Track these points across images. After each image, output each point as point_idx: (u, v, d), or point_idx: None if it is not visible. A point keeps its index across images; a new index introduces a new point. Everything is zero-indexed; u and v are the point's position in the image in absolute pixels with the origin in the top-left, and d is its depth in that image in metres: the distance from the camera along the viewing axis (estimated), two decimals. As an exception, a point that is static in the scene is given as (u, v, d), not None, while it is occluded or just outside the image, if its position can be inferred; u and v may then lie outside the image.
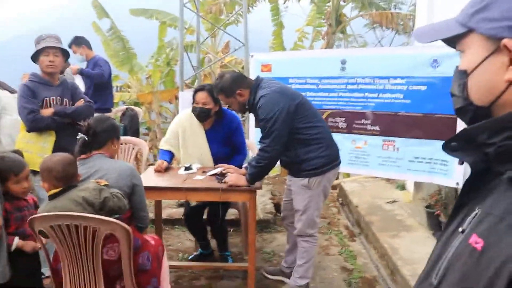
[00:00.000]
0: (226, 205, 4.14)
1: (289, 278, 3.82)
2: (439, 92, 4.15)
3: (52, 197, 2.49)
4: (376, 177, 7.02)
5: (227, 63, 10.65)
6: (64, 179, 2.48)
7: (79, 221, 2.35)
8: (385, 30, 12.61)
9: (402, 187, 6.29)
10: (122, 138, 4.84)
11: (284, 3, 9.39)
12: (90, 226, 2.35)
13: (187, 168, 3.80)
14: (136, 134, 6.58)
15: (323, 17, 9.58)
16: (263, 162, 3.29)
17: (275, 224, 5.24)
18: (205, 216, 4.19)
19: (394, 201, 5.76)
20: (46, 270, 3.09)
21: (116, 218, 2.43)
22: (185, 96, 5.48)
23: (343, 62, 4.70)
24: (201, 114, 3.86)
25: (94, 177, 2.63)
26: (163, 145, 4.06)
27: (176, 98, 11.36)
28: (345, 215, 5.90)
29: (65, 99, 3.85)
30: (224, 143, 4.01)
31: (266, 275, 3.98)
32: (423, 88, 4.27)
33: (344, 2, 9.19)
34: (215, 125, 3.98)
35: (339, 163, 3.54)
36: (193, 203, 4.02)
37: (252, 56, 5.38)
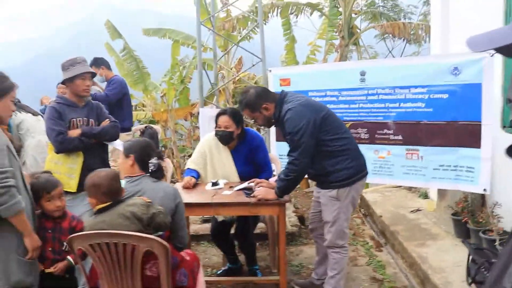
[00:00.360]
0: (255, 219, 4.16)
1: (319, 290, 3.83)
2: (461, 99, 4.17)
3: (99, 212, 2.56)
4: (397, 186, 7.02)
5: (242, 77, 10.75)
6: (111, 194, 2.58)
7: (118, 239, 2.39)
8: (396, 40, 12.69)
9: (425, 195, 6.27)
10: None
11: (296, 18, 9.47)
12: (130, 244, 2.39)
13: (214, 184, 3.84)
14: (156, 152, 6.63)
15: (335, 30, 9.66)
16: (292, 175, 3.32)
17: (300, 236, 5.25)
18: (232, 231, 4.22)
19: (417, 210, 5.75)
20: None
21: (158, 236, 2.48)
22: (205, 112, 5.54)
23: (363, 74, 4.74)
24: (223, 137, 3.96)
25: (138, 195, 2.70)
26: (190, 164, 4.15)
27: (191, 115, 11.46)
28: (369, 226, 5.89)
29: (91, 120, 3.91)
30: (248, 162, 4.07)
31: (297, 287, 3.97)
32: (445, 96, 4.29)
33: (356, 14, 9.26)
34: (238, 145, 4.06)
35: (367, 173, 3.56)
36: (220, 218, 4.05)
37: (270, 71, 5.44)
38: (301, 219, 5.67)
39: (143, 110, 12.35)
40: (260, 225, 4.67)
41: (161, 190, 2.78)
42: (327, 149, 3.37)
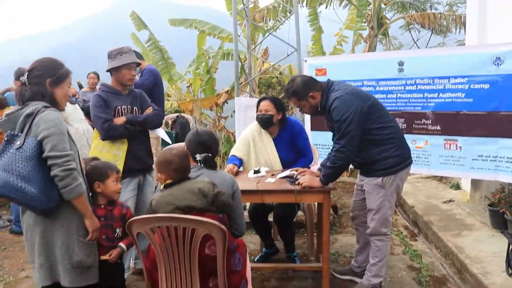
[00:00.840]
0: (295, 207, 4.20)
1: (360, 278, 3.86)
2: (503, 90, 4.16)
3: (167, 186, 2.66)
4: (428, 177, 7.02)
5: (267, 69, 10.77)
6: (181, 171, 2.69)
7: (178, 223, 2.45)
8: (421, 31, 12.55)
9: (457, 186, 6.27)
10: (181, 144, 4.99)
11: (326, 7, 9.45)
12: (189, 228, 2.45)
13: (256, 172, 3.90)
14: (188, 141, 6.70)
15: (363, 20, 9.61)
16: (338, 162, 3.36)
17: (334, 225, 5.29)
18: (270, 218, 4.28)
19: (450, 201, 5.76)
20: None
21: (221, 219, 2.55)
22: (241, 101, 5.59)
23: (401, 64, 4.75)
24: (263, 121, 4.08)
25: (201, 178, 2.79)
26: (234, 152, 4.23)
27: (217, 105, 11.54)
28: (401, 215, 5.91)
29: (134, 107, 3.98)
30: (290, 148, 4.17)
31: (336, 275, 4.02)
32: (486, 86, 4.28)
33: (385, 5, 9.19)
34: (280, 132, 4.16)
35: (411, 162, 3.58)
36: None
37: (305, 61, 5.46)
38: (334, 208, 5.71)
39: (168, 100, 12.47)
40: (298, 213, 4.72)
41: (220, 178, 2.84)
42: (373, 137, 3.39)
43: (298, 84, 3.52)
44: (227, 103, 11.68)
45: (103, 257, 2.86)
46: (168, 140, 4.44)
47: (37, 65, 2.65)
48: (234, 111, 12.18)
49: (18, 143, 2.47)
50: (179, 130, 6.93)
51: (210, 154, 2.92)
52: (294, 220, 5.01)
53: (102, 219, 2.90)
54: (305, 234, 5.00)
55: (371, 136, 3.39)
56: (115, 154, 3.87)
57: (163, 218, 2.47)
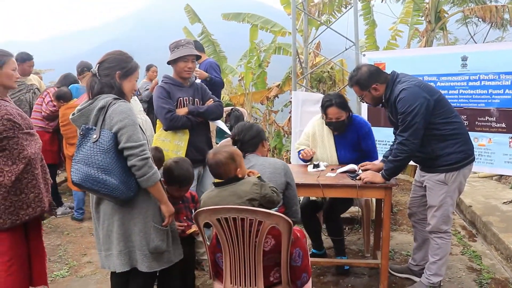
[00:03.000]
0: (348, 203, 4.16)
1: (417, 276, 3.81)
2: None
3: (216, 185, 2.71)
4: (485, 177, 6.81)
5: (317, 63, 10.68)
6: (226, 174, 2.70)
7: (245, 215, 2.48)
8: (478, 24, 12.11)
9: (518, 187, 6.05)
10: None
11: (373, 1, 9.27)
12: (256, 219, 2.48)
13: (315, 166, 3.89)
14: (242, 134, 6.74)
15: (420, 14, 9.37)
16: (401, 155, 3.31)
17: (389, 222, 5.21)
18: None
19: (511, 202, 5.57)
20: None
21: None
22: (298, 96, 5.58)
23: (464, 59, 4.62)
24: (337, 128, 4.05)
25: (252, 168, 2.84)
26: (298, 147, 4.25)
27: (267, 99, 11.55)
28: (457, 215, 5.76)
29: (196, 99, 4.05)
30: (353, 148, 4.09)
31: (393, 272, 3.97)
32: (557, 82, 4.11)
33: (444, -2, 8.95)
34: (345, 131, 4.09)
35: (474, 159, 3.49)
36: (313, 197, 4.11)
37: (364, 55, 5.40)
38: (389, 205, 5.62)
39: (219, 93, 12.55)
40: (351, 209, 4.68)
41: (271, 166, 2.89)
42: (437, 132, 3.33)
43: (363, 74, 3.49)
44: (278, 97, 11.66)
45: (190, 231, 3.11)
46: (227, 131, 4.50)
47: (109, 57, 2.74)
48: (284, 105, 12.26)
49: (94, 136, 2.56)
50: (233, 123, 6.96)
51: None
52: (349, 216, 5.02)
53: (180, 202, 3.16)
54: (360, 231, 4.96)
55: (435, 131, 3.33)
56: (177, 145, 3.96)
57: (232, 209, 2.51)
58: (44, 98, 5.70)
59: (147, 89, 7.87)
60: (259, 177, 2.71)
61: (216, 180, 2.73)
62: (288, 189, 2.88)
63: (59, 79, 6.19)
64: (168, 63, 3.99)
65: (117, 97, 2.67)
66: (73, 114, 2.72)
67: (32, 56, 6.27)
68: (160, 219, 2.74)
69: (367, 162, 3.76)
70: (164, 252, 2.76)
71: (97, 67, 2.72)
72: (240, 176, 2.70)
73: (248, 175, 2.74)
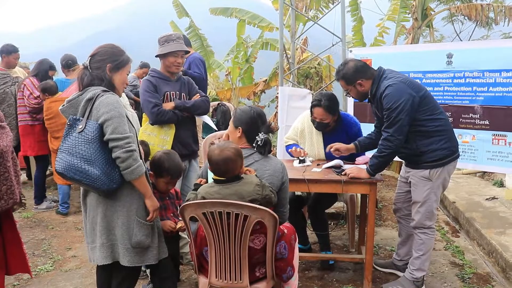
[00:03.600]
0: (332, 198, 4.18)
1: (401, 271, 3.84)
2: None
3: (217, 182, 2.64)
4: (469, 173, 6.89)
5: (305, 58, 10.71)
6: (230, 172, 2.61)
7: (231, 209, 2.48)
8: (464, 23, 12.22)
9: (501, 183, 6.13)
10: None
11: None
12: (242, 214, 2.48)
13: (301, 161, 3.90)
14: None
15: (407, 11, 9.43)
16: (386, 151, 3.34)
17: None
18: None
19: (493, 198, 5.64)
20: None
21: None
22: (285, 91, 5.59)
23: (449, 56, 4.66)
24: (319, 128, 4.07)
25: (251, 167, 2.79)
26: (288, 141, 4.24)
27: (254, 94, 11.57)
28: (441, 211, 5.83)
29: (183, 93, 4.03)
30: None
31: (377, 267, 4.00)
32: (541, 81, 4.16)
33: (430, -5, 9.00)
34: (334, 129, 4.10)
35: (459, 155, 3.52)
36: (298, 193, 4.11)
37: (350, 51, 5.42)
38: (374, 201, 5.66)
39: (206, 88, 12.53)
40: (336, 204, 4.71)
41: (271, 167, 2.81)
42: (422, 128, 3.35)
43: (349, 69, 3.51)
44: (264, 92, 11.69)
45: (178, 226, 3.10)
46: (213, 126, 4.50)
47: (100, 50, 2.73)
48: (271, 101, 12.29)
49: (80, 127, 2.55)
50: (220, 117, 6.99)
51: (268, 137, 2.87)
52: (334, 211, 5.04)
53: (167, 198, 3.17)
54: (345, 226, 4.99)
55: (421, 128, 3.35)
56: (162, 139, 3.94)
57: (217, 203, 2.51)
58: (23, 92, 5.63)
59: (134, 85, 7.81)
60: (263, 183, 2.67)
61: (215, 177, 2.66)
62: (282, 191, 2.84)
63: (34, 66, 6.10)
64: (157, 56, 3.97)
65: (106, 89, 2.66)
66: (63, 105, 2.71)
67: (18, 48, 6.20)
68: (145, 214, 2.72)
69: (337, 143, 3.79)
70: (148, 247, 2.75)
71: (88, 60, 2.71)
72: (239, 173, 2.64)
73: (245, 173, 2.69)
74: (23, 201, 3.22)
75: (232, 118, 3.02)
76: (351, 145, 3.82)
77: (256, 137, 2.85)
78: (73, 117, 2.61)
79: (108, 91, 2.64)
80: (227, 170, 2.61)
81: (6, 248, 3.23)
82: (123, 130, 2.55)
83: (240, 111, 2.99)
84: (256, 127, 2.88)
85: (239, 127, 2.91)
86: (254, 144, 2.87)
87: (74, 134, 2.55)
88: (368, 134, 3.86)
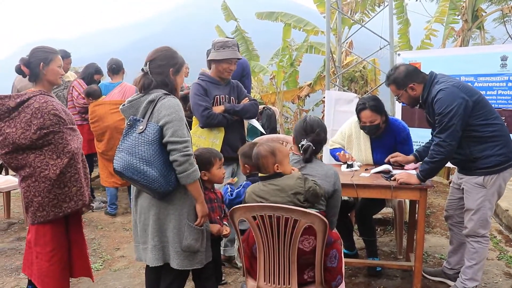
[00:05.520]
0: (380, 204, 4.11)
1: (451, 280, 3.74)
2: None
3: (262, 179, 2.70)
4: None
5: (349, 63, 10.59)
6: (266, 168, 2.69)
7: (281, 213, 2.47)
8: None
9: (557, 191, 5.86)
10: (274, 136, 5.03)
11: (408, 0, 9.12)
12: (292, 218, 2.47)
13: (349, 166, 3.86)
14: (273, 132, 6.74)
15: (457, 13, 9.18)
16: (438, 157, 3.25)
17: (422, 225, 5.12)
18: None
19: (550, 206, 5.41)
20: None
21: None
22: (331, 95, 5.55)
23: (504, 59, 4.51)
24: (371, 131, 3.99)
25: (301, 171, 2.80)
26: (332, 144, 4.20)
27: (299, 98, 11.53)
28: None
29: (232, 97, 4.07)
30: (390, 152, 3.99)
31: (426, 275, 3.90)
32: None
33: (481, -4, 8.71)
34: (382, 134, 4.03)
35: (515, 162, 3.39)
36: (345, 197, 4.05)
37: (399, 54, 5.32)
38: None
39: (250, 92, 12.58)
40: (384, 210, 4.62)
41: (322, 171, 2.82)
42: (476, 134, 3.26)
43: (400, 73, 3.45)
44: (309, 96, 11.64)
45: (224, 232, 3.12)
46: (262, 129, 4.52)
47: (159, 54, 2.75)
48: (315, 105, 12.21)
49: (140, 127, 2.60)
50: (265, 121, 6.98)
51: (313, 147, 2.87)
52: (381, 217, 4.96)
53: (215, 201, 3.13)
54: (392, 232, 4.89)
55: (474, 133, 3.26)
56: (212, 142, 3.99)
57: (267, 207, 2.51)
58: (72, 94, 5.85)
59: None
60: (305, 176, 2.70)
61: (261, 175, 2.73)
62: (333, 198, 2.83)
63: (82, 70, 6.34)
64: (210, 60, 4.01)
65: (167, 92, 2.70)
66: (123, 105, 2.77)
67: (70, 53, 6.41)
68: (195, 218, 2.75)
69: (397, 153, 3.73)
70: (197, 251, 2.77)
71: (147, 65, 2.73)
72: (279, 171, 2.67)
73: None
74: (92, 203, 3.31)
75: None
76: (411, 157, 3.73)
77: (300, 143, 2.91)
78: (134, 118, 2.66)
79: (170, 94, 2.69)
80: (258, 164, 2.71)
81: (71, 250, 3.34)
82: (182, 133, 2.59)
83: (298, 121, 3.10)
84: (303, 136, 2.93)
85: (292, 135, 3.01)
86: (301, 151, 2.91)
87: (134, 135, 2.60)
88: (427, 143, 3.76)
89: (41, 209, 3.03)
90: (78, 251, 3.39)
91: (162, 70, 2.72)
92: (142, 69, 2.74)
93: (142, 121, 2.63)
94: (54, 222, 3.10)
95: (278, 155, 2.68)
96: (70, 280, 3.38)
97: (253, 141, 3.97)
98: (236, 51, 3.95)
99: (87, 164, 3.32)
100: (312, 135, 2.91)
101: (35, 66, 3.07)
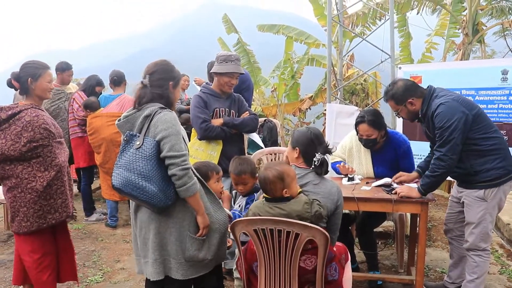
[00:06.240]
0: (381, 217, 4.10)
1: (453, 294, 3.73)
2: None
3: (267, 200, 2.68)
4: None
5: (350, 76, 10.63)
6: (275, 192, 2.65)
7: (282, 226, 2.47)
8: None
9: (559, 205, 5.84)
10: (275, 148, 5.03)
11: (418, 13, 9.16)
12: (293, 232, 2.46)
13: (350, 179, 3.86)
14: (275, 145, 6.75)
15: (457, 26, 9.22)
16: (439, 171, 3.26)
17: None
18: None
19: (551, 220, 5.39)
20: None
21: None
22: (333, 108, 5.56)
23: (505, 72, 4.53)
24: (367, 145, 3.99)
25: (304, 188, 2.78)
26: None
27: (300, 111, 11.55)
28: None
29: (232, 110, 4.10)
30: (390, 166, 4.01)
31: (428, 289, 3.89)
32: None
33: (482, 10, 8.75)
34: (383, 147, 4.02)
35: (515, 175, 3.39)
36: (346, 210, 4.04)
37: (400, 68, 5.34)
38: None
39: (251, 104, 12.61)
40: (384, 223, 4.61)
41: (325, 190, 2.79)
42: (476, 147, 3.26)
43: (398, 88, 3.46)
44: (310, 109, 11.66)
45: (227, 244, 3.03)
46: (261, 144, 4.52)
47: (158, 68, 2.76)
48: (317, 117, 12.22)
49: (137, 143, 2.59)
50: (266, 134, 6.99)
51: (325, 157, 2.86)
52: (382, 230, 4.94)
53: None
54: (393, 246, 4.88)
55: (474, 146, 3.27)
56: (209, 154, 4.00)
57: (268, 221, 2.51)
58: (72, 106, 5.87)
59: (180, 99, 7.94)
60: (300, 192, 2.69)
61: (266, 196, 2.70)
62: (334, 215, 2.81)
63: (83, 82, 6.36)
64: (212, 73, 4.05)
65: (163, 106, 2.69)
66: (119, 120, 2.76)
67: (71, 65, 6.44)
68: (196, 229, 2.74)
69: (401, 173, 3.72)
70: (202, 260, 2.77)
71: (147, 78, 2.72)
72: (287, 196, 2.64)
73: None
74: (74, 214, 3.41)
75: (290, 139, 3.05)
76: (414, 174, 3.72)
77: (313, 158, 2.85)
78: (130, 133, 2.65)
79: (166, 108, 2.69)
80: (266, 190, 2.68)
81: (59, 256, 3.46)
82: (180, 147, 2.59)
83: (298, 132, 3.01)
84: (313, 148, 2.88)
85: (297, 148, 2.93)
86: (312, 165, 2.86)
87: (131, 150, 2.60)
88: (427, 157, 3.75)
89: (25, 220, 3.14)
90: (66, 257, 3.53)
91: (162, 83, 2.73)
92: (142, 82, 2.74)
93: (138, 137, 2.62)
94: (40, 231, 3.21)
95: (287, 179, 2.64)
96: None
97: (240, 156, 3.95)
98: (238, 65, 3.98)
99: (71, 176, 3.42)
100: (322, 147, 2.89)
101: (24, 81, 3.18)
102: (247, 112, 4.15)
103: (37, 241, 3.23)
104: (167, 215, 2.69)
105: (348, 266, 2.93)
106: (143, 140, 2.59)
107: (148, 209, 2.69)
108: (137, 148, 2.58)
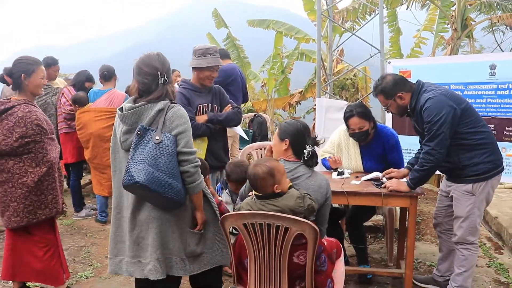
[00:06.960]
0: (371, 211, 4.12)
1: (442, 287, 3.76)
2: None
3: (258, 197, 2.65)
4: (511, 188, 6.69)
5: (339, 71, 10.66)
6: (266, 188, 2.62)
7: (272, 220, 2.47)
8: (506, 33, 11.92)
9: (546, 198, 5.91)
10: (265, 143, 5.03)
11: (407, 9, 9.20)
12: (283, 226, 2.46)
13: (339, 173, 3.87)
14: (264, 139, 6.77)
15: (446, 21, 9.26)
16: (427, 165, 3.27)
17: (412, 232, 5.14)
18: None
19: (539, 213, 5.45)
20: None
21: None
22: (322, 102, 5.56)
23: (493, 67, 4.55)
24: (360, 138, 3.98)
25: (296, 182, 2.76)
26: (323, 154, 4.19)
27: (290, 105, 11.56)
28: (483, 226, 5.66)
29: (214, 105, 4.05)
30: (379, 160, 4.02)
31: (417, 282, 3.91)
32: None
33: (470, 5, 8.80)
34: (371, 142, 4.03)
35: (503, 169, 3.43)
36: (335, 205, 4.06)
37: (389, 62, 5.36)
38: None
39: (242, 99, 12.60)
40: (374, 217, 4.64)
41: (316, 183, 2.78)
42: (464, 142, 3.29)
43: (387, 82, 3.47)
44: (300, 103, 11.69)
45: None
46: (245, 137, 4.52)
47: (168, 64, 2.68)
48: (307, 112, 12.26)
49: (157, 138, 2.49)
50: (256, 128, 7.01)
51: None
52: (372, 224, 4.97)
53: None
54: (383, 239, 4.91)
55: (462, 141, 3.29)
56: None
57: (258, 215, 2.50)
58: (60, 101, 5.82)
59: None
60: (291, 186, 2.67)
61: (256, 193, 2.67)
62: (323, 207, 2.81)
63: (73, 77, 6.31)
64: (192, 67, 3.98)
65: (173, 101, 2.67)
66: (121, 110, 2.63)
67: (58, 60, 6.39)
68: (192, 224, 2.75)
69: (392, 169, 3.73)
70: (201, 254, 2.77)
71: (165, 74, 2.62)
72: (278, 191, 2.61)
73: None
74: (64, 209, 3.42)
75: (277, 131, 2.98)
76: (405, 170, 3.71)
77: (304, 150, 2.82)
78: (143, 127, 2.53)
79: (175, 103, 2.66)
80: (256, 186, 2.64)
81: None
82: (191, 144, 2.59)
83: (286, 123, 2.96)
84: (303, 140, 2.85)
85: (286, 139, 2.87)
86: (302, 157, 2.83)
87: (149, 145, 2.48)
88: (417, 153, 3.76)
89: (15, 215, 3.16)
90: None
91: (170, 78, 2.68)
92: (163, 81, 2.62)
93: (154, 131, 2.52)
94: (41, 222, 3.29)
95: (277, 175, 2.61)
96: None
97: (237, 160, 3.94)
98: (217, 58, 3.91)
99: (61, 172, 3.49)
100: (311, 139, 2.86)
101: (17, 77, 3.17)
102: (230, 105, 4.11)
103: (41, 230, 3.36)
104: (170, 214, 2.66)
105: (341, 262, 2.94)
106: (162, 135, 2.52)
107: (148, 208, 2.63)
108: (157, 143, 2.48)
